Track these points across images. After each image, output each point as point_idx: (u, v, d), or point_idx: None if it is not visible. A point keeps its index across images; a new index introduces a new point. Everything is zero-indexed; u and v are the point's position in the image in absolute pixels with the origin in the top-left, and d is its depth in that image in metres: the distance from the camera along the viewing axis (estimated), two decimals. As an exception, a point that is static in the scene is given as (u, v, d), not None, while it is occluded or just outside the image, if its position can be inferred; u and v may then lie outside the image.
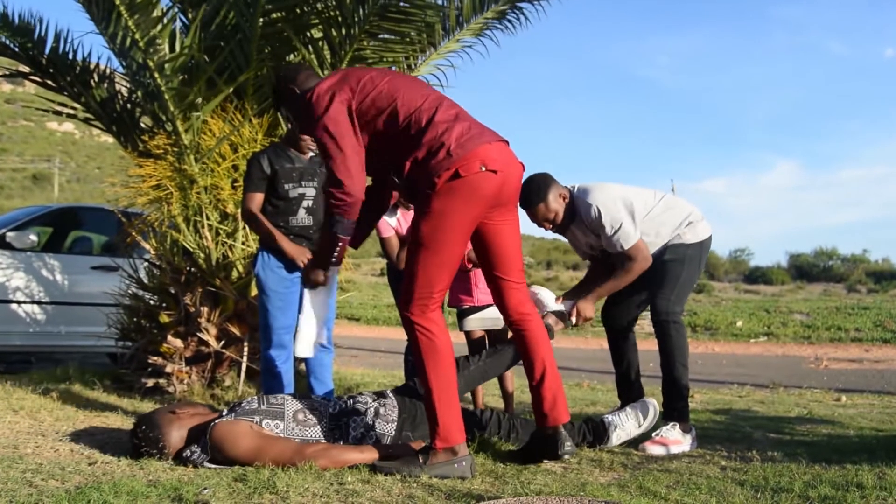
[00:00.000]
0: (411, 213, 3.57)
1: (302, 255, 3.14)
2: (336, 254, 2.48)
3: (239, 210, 4.31)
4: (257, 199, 3.18)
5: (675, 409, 2.97)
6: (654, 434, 2.91)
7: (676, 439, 2.87)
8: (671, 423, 2.92)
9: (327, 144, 2.34)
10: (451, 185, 2.25)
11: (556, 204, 2.99)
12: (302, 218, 3.23)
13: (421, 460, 2.31)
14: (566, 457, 2.52)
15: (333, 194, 2.34)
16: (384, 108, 2.35)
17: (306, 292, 2.68)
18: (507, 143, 2.42)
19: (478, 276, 3.52)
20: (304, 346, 2.67)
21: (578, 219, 3.05)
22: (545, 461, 2.55)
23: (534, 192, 2.97)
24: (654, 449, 2.83)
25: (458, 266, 2.41)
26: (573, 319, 3.04)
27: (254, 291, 4.27)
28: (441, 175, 2.25)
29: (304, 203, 3.23)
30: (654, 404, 3.01)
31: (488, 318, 3.52)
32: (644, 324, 6.58)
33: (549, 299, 3.12)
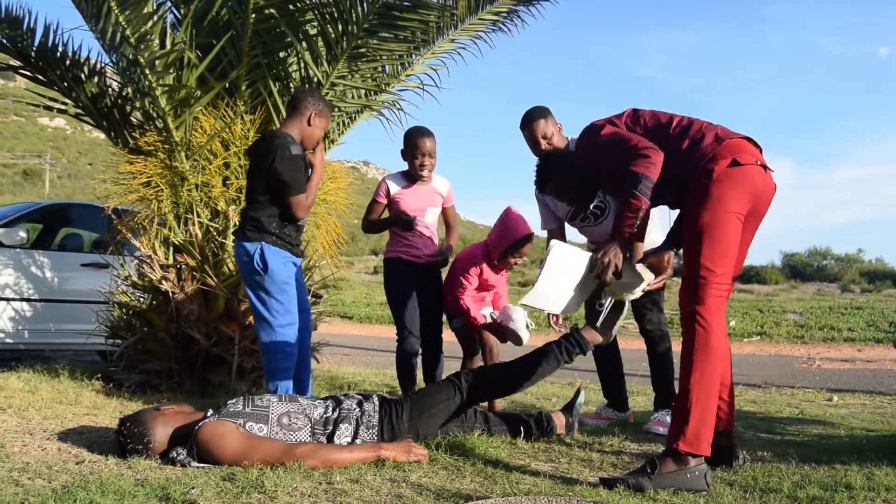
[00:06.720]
0: (423, 186, 3.56)
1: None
2: (638, 222, 2.39)
3: (230, 208, 4.29)
4: None
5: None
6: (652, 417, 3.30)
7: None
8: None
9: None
10: (730, 172, 2.29)
11: (553, 127, 3.26)
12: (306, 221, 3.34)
13: (649, 469, 2.18)
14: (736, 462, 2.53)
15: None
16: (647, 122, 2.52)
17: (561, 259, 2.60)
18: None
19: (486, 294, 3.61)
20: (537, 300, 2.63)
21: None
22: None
23: (536, 109, 3.29)
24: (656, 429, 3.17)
25: (735, 256, 2.34)
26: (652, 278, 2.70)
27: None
28: (718, 162, 2.30)
29: None
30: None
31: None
32: (629, 325, 6.55)
33: (520, 322, 3.40)
